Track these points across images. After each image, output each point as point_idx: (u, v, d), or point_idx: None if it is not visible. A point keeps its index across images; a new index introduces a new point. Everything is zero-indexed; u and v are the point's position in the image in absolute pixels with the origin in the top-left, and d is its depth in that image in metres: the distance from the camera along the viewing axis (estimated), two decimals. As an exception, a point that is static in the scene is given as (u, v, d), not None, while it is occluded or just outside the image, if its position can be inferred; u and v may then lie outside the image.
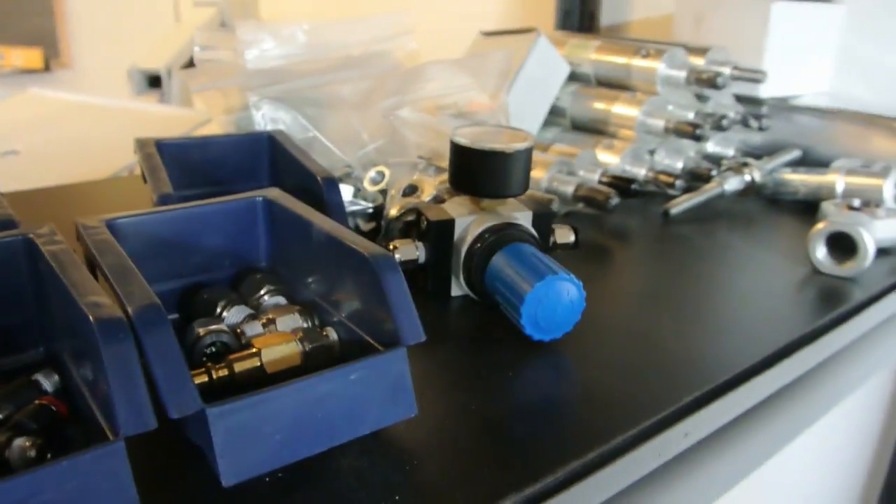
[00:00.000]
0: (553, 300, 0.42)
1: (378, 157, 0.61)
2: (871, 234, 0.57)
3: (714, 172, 0.75)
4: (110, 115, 1.20)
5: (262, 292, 0.43)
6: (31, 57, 2.40)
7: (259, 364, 0.36)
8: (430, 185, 0.54)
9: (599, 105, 0.79)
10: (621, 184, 0.68)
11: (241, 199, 0.45)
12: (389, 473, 0.32)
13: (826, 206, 0.67)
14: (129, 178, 0.80)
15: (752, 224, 0.72)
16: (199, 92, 0.63)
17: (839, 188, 0.71)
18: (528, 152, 0.48)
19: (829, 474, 1.06)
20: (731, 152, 0.83)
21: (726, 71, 0.76)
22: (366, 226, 0.58)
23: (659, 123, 0.75)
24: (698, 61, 0.78)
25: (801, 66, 0.87)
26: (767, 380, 0.44)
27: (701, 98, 0.81)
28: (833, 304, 0.53)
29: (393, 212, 0.53)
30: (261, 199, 0.45)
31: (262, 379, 0.36)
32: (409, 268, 0.48)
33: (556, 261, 0.44)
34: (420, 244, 0.48)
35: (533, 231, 0.49)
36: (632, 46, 0.79)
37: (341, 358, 0.37)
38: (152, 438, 0.27)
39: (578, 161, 0.69)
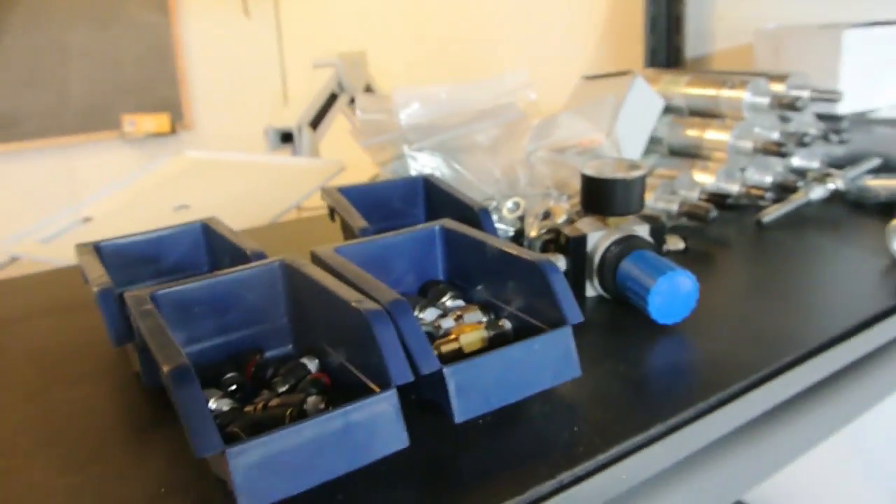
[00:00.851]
0: (673, 291, 0.54)
1: (511, 190, 0.74)
2: (945, 228, 0.67)
3: (800, 184, 0.85)
4: (254, 168, 1.39)
5: (446, 298, 0.56)
6: (160, 122, 2.67)
7: (458, 346, 0.49)
8: (562, 210, 0.67)
9: (693, 132, 0.90)
10: (717, 199, 0.79)
11: (423, 228, 0.59)
12: (567, 414, 0.44)
13: (905, 207, 0.76)
14: (310, 219, 0.96)
15: (838, 227, 0.82)
16: (365, 145, 0.78)
17: (918, 190, 0.80)
18: (642, 179, 0.60)
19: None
20: (815, 164, 0.92)
21: (805, 94, 0.86)
22: (506, 247, 0.71)
23: (748, 145, 0.85)
24: (779, 87, 0.88)
25: (876, 82, 0.96)
26: (855, 344, 0.54)
27: (784, 119, 0.91)
28: (912, 287, 0.62)
29: (533, 233, 0.66)
30: (438, 227, 0.58)
31: (460, 356, 0.49)
32: (551, 276, 0.61)
33: (672, 262, 0.56)
34: (560, 256, 0.61)
35: (651, 240, 0.61)
36: (718, 79, 0.90)
37: (514, 340, 0.50)
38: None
39: (678, 182, 0.81)
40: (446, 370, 0.42)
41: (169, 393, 0.41)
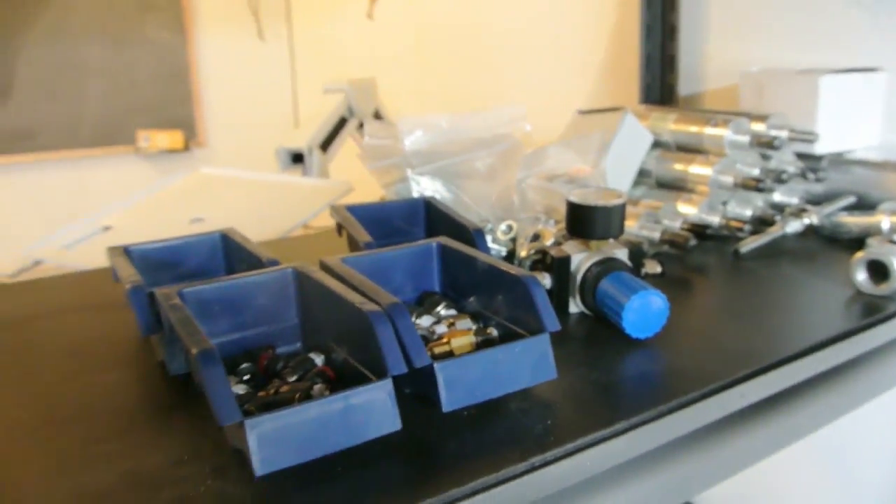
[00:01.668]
0: (645, 308, 0.60)
1: (505, 214, 0.80)
2: (902, 261, 0.72)
3: (778, 218, 0.91)
4: (266, 186, 1.46)
5: (440, 307, 0.62)
6: (173, 139, 2.75)
7: (450, 349, 0.55)
8: (550, 233, 0.73)
9: (679, 166, 0.96)
10: (698, 229, 0.85)
11: (421, 244, 0.65)
12: (541, 410, 0.50)
13: (870, 241, 0.82)
14: (318, 234, 1.02)
15: (812, 259, 0.88)
16: (372, 168, 0.84)
17: (885, 226, 0.86)
18: (622, 206, 0.66)
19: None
20: (795, 200, 0.98)
21: (783, 134, 0.93)
22: (499, 265, 0.77)
23: (729, 179, 0.91)
24: (760, 126, 0.95)
25: (852, 124, 1.02)
26: (810, 362, 0.60)
27: (765, 157, 0.97)
28: (868, 314, 0.68)
29: (523, 253, 0.72)
30: (436, 244, 0.65)
31: (450, 357, 0.55)
32: (538, 292, 0.67)
33: (647, 283, 0.62)
34: (546, 275, 0.67)
35: (629, 263, 0.67)
36: (703, 117, 0.97)
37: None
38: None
39: (662, 212, 0.87)
40: (437, 365, 0.48)
41: (195, 375, 0.47)
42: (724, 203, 0.95)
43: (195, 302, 0.54)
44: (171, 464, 0.44)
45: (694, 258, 0.86)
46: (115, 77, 2.66)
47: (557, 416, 0.49)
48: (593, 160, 0.78)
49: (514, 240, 0.77)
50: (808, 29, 1.12)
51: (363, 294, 0.52)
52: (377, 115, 1.79)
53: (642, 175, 1.00)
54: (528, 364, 0.51)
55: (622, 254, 0.67)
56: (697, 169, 0.94)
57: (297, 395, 0.47)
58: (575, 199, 0.66)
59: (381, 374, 0.47)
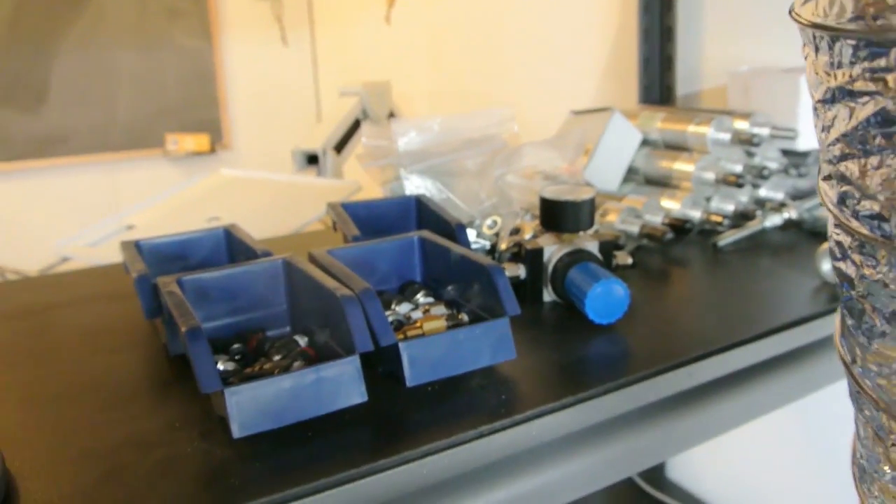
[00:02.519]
0: (607, 295, 0.65)
1: (492, 210, 0.85)
2: (865, 253, 0.76)
3: (759, 213, 0.95)
4: (281, 186, 1.52)
5: (419, 295, 0.68)
6: (200, 141, 2.84)
7: (422, 332, 0.60)
8: (529, 227, 0.78)
9: (664, 163, 1.01)
10: (678, 223, 0.89)
11: (404, 237, 0.70)
12: (499, 386, 0.55)
13: (841, 235, 0.85)
14: (317, 232, 1.08)
15: (790, 252, 0.91)
16: (368, 167, 0.90)
17: (859, 221, 0.89)
18: (591, 201, 0.71)
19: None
20: (780, 196, 1.02)
21: (764, 132, 0.96)
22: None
23: (710, 176, 0.96)
24: (743, 124, 0.99)
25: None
26: (763, 346, 0.64)
27: (749, 153, 1.01)
28: (832, 301, 0.72)
29: (503, 246, 0.77)
30: (417, 237, 0.70)
31: (423, 341, 0.60)
32: (515, 282, 0.72)
33: (613, 274, 0.67)
34: (522, 266, 0.72)
35: (598, 255, 0.72)
36: (688, 116, 1.01)
37: (470, 330, 0.61)
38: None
39: (645, 207, 0.91)
40: (401, 344, 0.53)
41: (185, 350, 0.53)
42: (708, 199, 0.99)
43: (193, 289, 0.60)
44: (164, 429, 0.50)
45: (674, 252, 0.90)
46: (145, 82, 2.75)
47: (514, 391, 0.55)
48: (571, 158, 0.83)
49: (498, 234, 0.82)
50: (797, 29, 1.15)
51: (340, 281, 0.57)
52: (391, 117, 1.85)
53: (631, 172, 1.05)
54: (489, 344, 0.57)
55: (592, 246, 0.72)
56: (681, 166, 0.98)
57: (277, 370, 0.53)
58: (547, 195, 0.71)
59: (351, 351, 0.52)
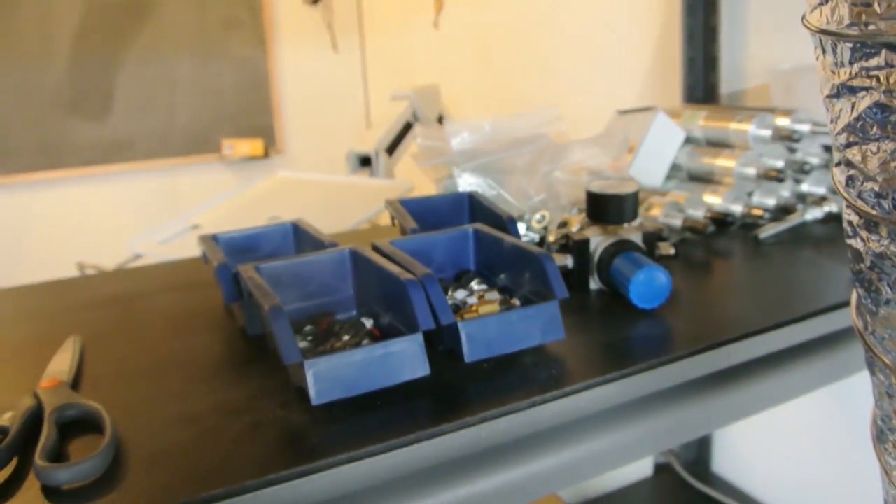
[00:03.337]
0: (650, 281, 0.69)
1: (540, 205, 0.90)
2: (904, 243, 0.79)
3: (799, 207, 0.98)
4: (337, 187, 1.59)
5: (473, 283, 0.73)
6: (254, 146, 2.94)
7: (478, 315, 0.66)
8: (576, 220, 0.82)
9: (707, 160, 1.04)
10: (720, 217, 0.93)
11: (459, 229, 0.75)
12: (549, 363, 0.60)
13: (882, 226, 0.88)
14: (375, 227, 1.14)
15: (830, 244, 0.94)
16: (423, 167, 0.95)
17: (901, 213, 0.91)
18: (634, 194, 0.75)
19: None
20: (822, 190, 1.04)
21: (805, 128, 0.99)
22: (533, 250, 0.87)
23: (752, 171, 0.99)
24: (784, 121, 1.01)
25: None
26: (800, 329, 0.67)
27: (791, 149, 1.04)
28: (865, 290, 0.75)
29: (551, 238, 0.82)
30: (471, 229, 0.75)
31: (478, 323, 0.65)
32: (563, 271, 0.76)
33: (656, 262, 0.71)
34: (569, 256, 0.77)
35: (641, 245, 0.76)
36: (730, 114, 1.04)
37: (522, 314, 0.66)
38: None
39: (687, 202, 0.95)
40: (460, 323, 0.59)
41: (266, 329, 0.59)
42: (750, 194, 1.02)
43: (269, 276, 0.66)
44: (248, 399, 0.56)
45: (717, 244, 0.93)
46: (203, 90, 2.87)
47: (563, 368, 0.59)
48: (616, 155, 0.87)
49: (546, 228, 0.87)
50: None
51: (403, 267, 0.63)
52: (440, 120, 1.91)
53: (675, 169, 1.08)
54: (540, 325, 0.61)
55: (636, 237, 0.76)
56: (723, 162, 1.01)
57: (348, 347, 0.58)
58: (594, 189, 0.76)
59: (415, 330, 0.58)
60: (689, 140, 1.09)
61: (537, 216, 0.88)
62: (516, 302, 0.68)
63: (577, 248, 0.76)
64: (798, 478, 1.37)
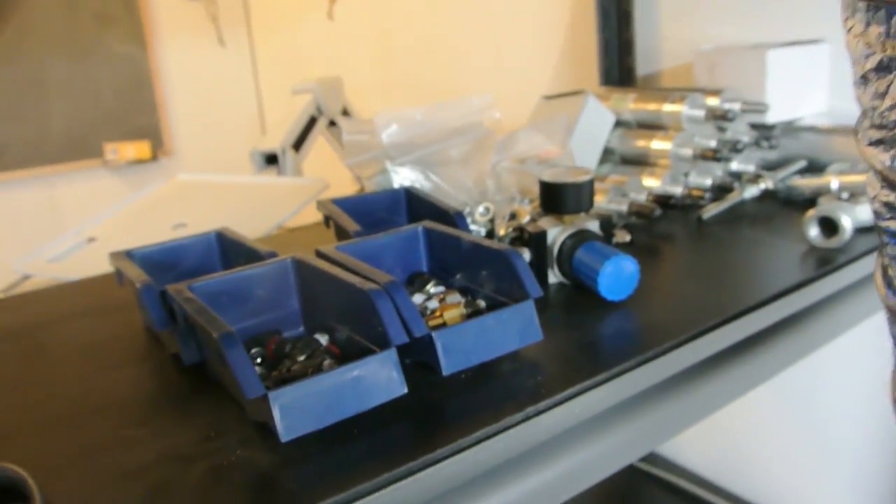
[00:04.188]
0: (618, 272, 0.65)
1: (482, 197, 0.85)
2: (850, 216, 0.79)
3: (736, 185, 0.97)
4: (243, 188, 1.49)
5: (429, 285, 0.67)
6: (140, 149, 2.76)
7: (443, 321, 0.60)
8: (525, 212, 0.78)
9: (641, 143, 1.02)
10: (662, 200, 0.91)
11: (408, 229, 0.69)
12: (531, 369, 0.55)
13: (821, 200, 0.88)
14: (302, 230, 1.06)
15: (769, 221, 0.94)
16: (351, 164, 0.88)
17: (834, 186, 0.92)
18: (591, 182, 0.71)
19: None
20: (751, 168, 1.04)
21: (736, 107, 0.99)
22: (479, 246, 0.82)
23: (688, 152, 0.97)
24: (714, 101, 1.01)
25: (800, 94, 1.08)
26: (772, 309, 0.65)
27: (720, 129, 1.03)
28: (821, 265, 0.74)
29: (502, 231, 0.77)
30: (421, 228, 0.69)
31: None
32: (518, 266, 0.71)
33: (618, 250, 0.67)
34: (525, 249, 0.72)
35: (601, 233, 0.72)
36: (661, 95, 1.02)
37: (489, 317, 0.61)
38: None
39: (628, 186, 0.92)
40: (434, 334, 0.53)
41: (213, 359, 0.52)
42: (686, 174, 1.00)
43: (203, 295, 0.58)
44: (199, 440, 0.48)
45: (660, 227, 0.91)
46: (78, 91, 2.66)
47: (546, 372, 0.54)
48: (561, 141, 0.83)
49: (492, 220, 0.82)
50: (753, 6, 1.18)
51: (360, 275, 0.56)
52: (345, 113, 1.83)
53: (607, 153, 1.06)
54: (516, 328, 0.56)
55: (594, 225, 0.73)
56: (658, 144, 1.00)
57: (310, 370, 0.51)
58: (547, 178, 0.71)
59: (384, 345, 0.51)
60: (619, 123, 1.06)
61: (481, 209, 0.83)
62: (481, 303, 0.62)
63: (535, 240, 0.71)
64: (736, 452, 1.39)
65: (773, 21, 1.17)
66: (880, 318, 0.57)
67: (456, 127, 0.89)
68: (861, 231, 0.80)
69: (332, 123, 1.77)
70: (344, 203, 0.82)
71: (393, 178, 0.86)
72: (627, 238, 0.75)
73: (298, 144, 1.68)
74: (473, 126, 0.89)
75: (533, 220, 0.76)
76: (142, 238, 0.76)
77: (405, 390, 0.49)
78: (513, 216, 0.79)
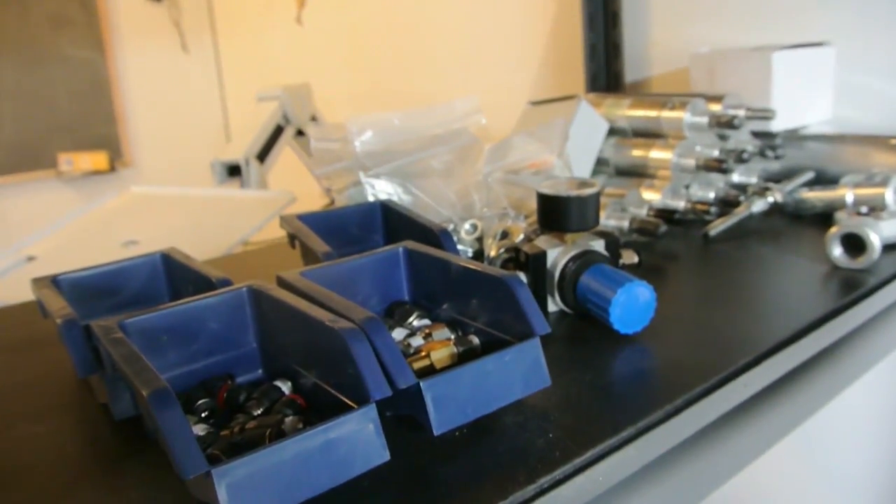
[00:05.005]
0: (632, 301, 0.56)
1: (467, 212, 0.75)
2: (877, 233, 0.71)
3: (742, 198, 0.89)
4: (203, 202, 1.38)
5: (412, 318, 0.57)
6: (97, 160, 2.62)
7: (430, 363, 0.50)
8: (519, 229, 0.68)
9: (638, 152, 0.93)
10: (665, 215, 0.82)
11: (386, 250, 0.59)
12: (540, 422, 0.45)
13: (839, 215, 0.80)
14: (264, 249, 0.95)
15: (779, 237, 0.85)
16: (319, 175, 0.78)
17: (849, 199, 0.84)
18: (597, 195, 0.62)
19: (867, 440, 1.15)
20: (754, 180, 0.96)
21: (741, 113, 0.91)
22: (465, 267, 0.73)
23: (690, 162, 0.89)
24: (716, 107, 0.93)
25: (805, 100, 1.01)
26: (807, 344, 0.57)
27: (723, 137, 0.95)
28: (851, 289, 0.65)
29: (493, 252, 0.67)
30: (402, 249, 0.59)
31: (431, 372, 0.50)
32: (513, 292, 0.62)
33: (629, 274, 0.58)
34: (521, 273, 0.63)
35: (607, 254, 0.63)
36: (659, 101, 0.94)
37: (483, 355, 0.51)
38: (392, 401, 0.41)
39: (627, 200, 0.84)
40: (423, 384, 0.43)
41: (147, 418, 0.41)
42: (687, 186, 0.92)
43: (139, 333, 0.48)
44: (126, 525, 0.38)
45: (664, 245, 0.83)
46: (31, 98, 2.52)
47: (558, 426, 0.45)
48: (558, 148, 0.74)
49: (479, 239, 0.72)
50: (750, 8, 1.11)
51: (331, 310, 0.46)
52: (314, 121, 1.73)
53: (600, 163, 0.97)
54: (520, 373, 0.47)
55: (599, 245, 0.63)
56: (658, 154, 0.91)
57: (269, 432, 0.41)
58: (546, 190, 0.62)
59: (360, 399, 0.41)
60: (612, 131, 0.98)
61: (467, 226, 0.74)
62: (474, 340, 0.52)
63: (533, 263, 0.62)
64: None
65: (769, 25, 1.10)
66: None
67: (438, 134, 0.79)
68: (886, 248, 0.72)
69: (300, 133, 1.67)
70: (312, 219, 0.72)
71: (367, 190, 0.76)
72: (635, 259, 0.66)
73: (263, 155, 1.57)
74: (458, 133, 0.79)
75: (528, 238, 0.67)
76: (88, 257, 0.66)
77: (387, 457, 0.40)
78: (505, 234, 0.69)
